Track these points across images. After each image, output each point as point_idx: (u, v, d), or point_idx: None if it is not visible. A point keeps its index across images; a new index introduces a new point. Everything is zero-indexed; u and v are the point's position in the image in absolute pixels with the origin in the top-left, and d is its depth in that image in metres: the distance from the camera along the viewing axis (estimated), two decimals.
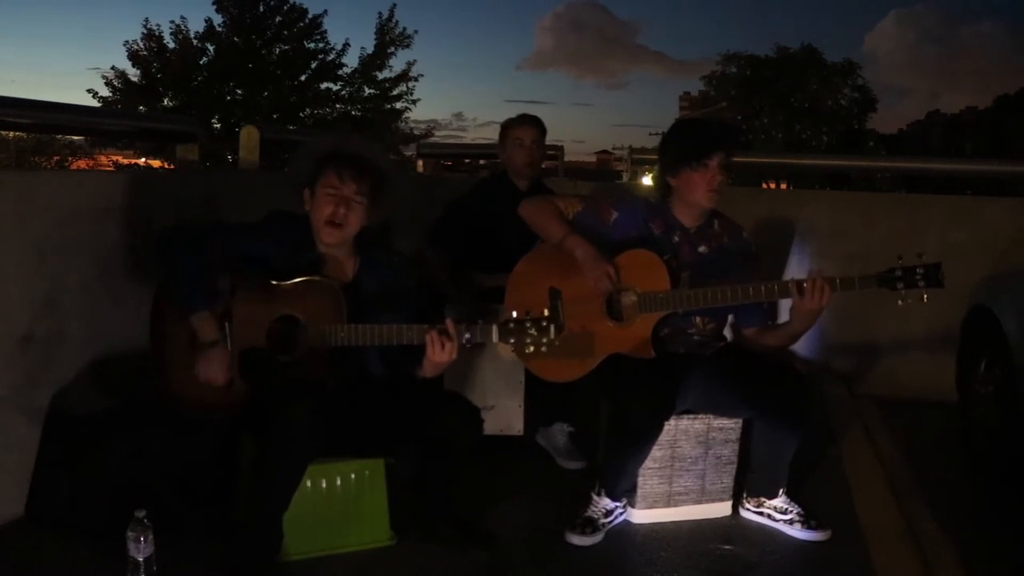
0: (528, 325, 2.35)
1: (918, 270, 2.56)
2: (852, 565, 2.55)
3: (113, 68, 18.79)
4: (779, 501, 2.78)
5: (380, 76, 20.35)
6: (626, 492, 2.75)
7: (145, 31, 18.84)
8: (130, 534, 2.09)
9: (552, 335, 2.35)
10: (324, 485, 2.45)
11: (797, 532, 2.71)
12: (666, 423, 2.66)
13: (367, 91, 20.51)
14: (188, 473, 2.56)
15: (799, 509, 2.75)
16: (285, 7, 19.89)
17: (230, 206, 3.37)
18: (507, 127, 3.56)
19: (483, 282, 3.33)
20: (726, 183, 2.71)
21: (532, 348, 2.37)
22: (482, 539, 2.57)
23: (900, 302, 2.58)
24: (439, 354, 2.35)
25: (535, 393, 3.19)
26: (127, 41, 18.79)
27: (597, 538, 2.63)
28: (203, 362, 2.33)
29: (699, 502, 2.82)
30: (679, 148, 2.72)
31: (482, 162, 8.06)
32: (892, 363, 4.40)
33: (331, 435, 2.32)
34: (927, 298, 2.56)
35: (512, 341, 2.36)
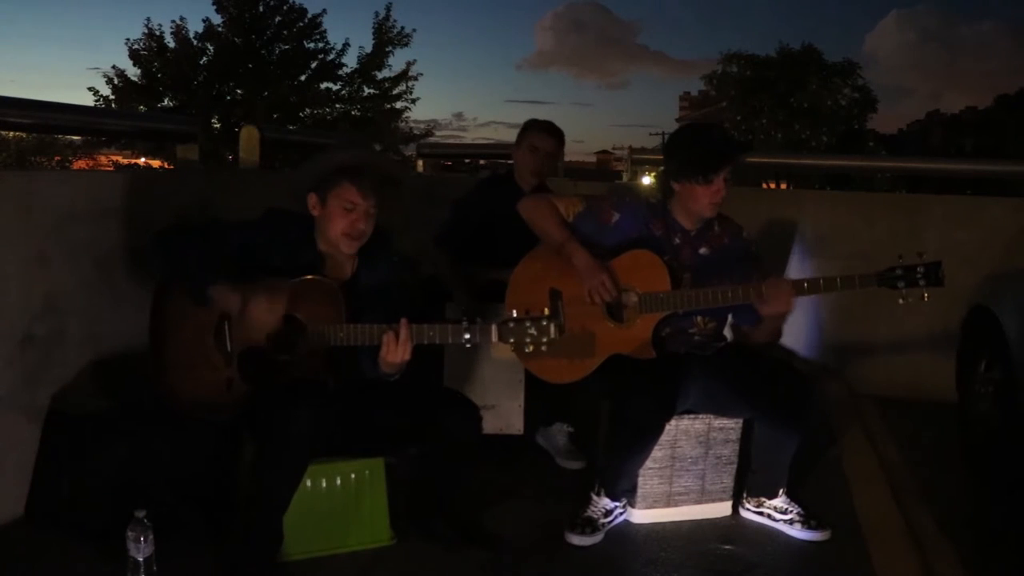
0: (528, 324, 2.35)
1: (918, 269, 2.57)
2: (852, 565, 2.55)
3: (114, 67, 18.82)
4: (779, 501, 2.78)
5: (379, 76, 20.36)
6: (626, 492, 2.75)
7: (147, 30, 18.87)
8: (130, 534, 2.09)
9: (552, 334, 2.35)
10: (324, 485, 2.45)
11: (797, 532, 2.71)
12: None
13: (367, 91, 20.50)
14: (188, 473, 2.56)
15: (799, 509, 2.75)
16: (284, 7, 19.87)
17: (230, 206, 3.36)
18: (527, 128, 3.52)
19: (492, 274, 3.29)
20: (727, 191, 2.70)
21: (532, 348, 2.36)
22: (482, 539, 2.57)
23: (901, 301, 2.59)
24: (391, 353, 2.32)
25: (535, 393, 3.19)
26: (128, 40, 18.84)
27: (597, 538, 2.63)
28: (255, 313, 2.32)
29: (699, 502, 2.82)
30: (686, 159, 2.68)
31: (482, 162, 8.06)
32: (892, 363, 4.39)
33: (331, 435, 2.32)
34: (928, 297, 2.57)
35: (512, 340, 2.36)
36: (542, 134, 3.48)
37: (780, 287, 2.58)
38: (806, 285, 2.62)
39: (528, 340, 2.35)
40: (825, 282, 2.67)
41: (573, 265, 2.70)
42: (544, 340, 2.35)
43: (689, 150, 2.70)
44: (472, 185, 3.80)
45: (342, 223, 2.40)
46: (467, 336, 2.36)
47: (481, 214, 3.47)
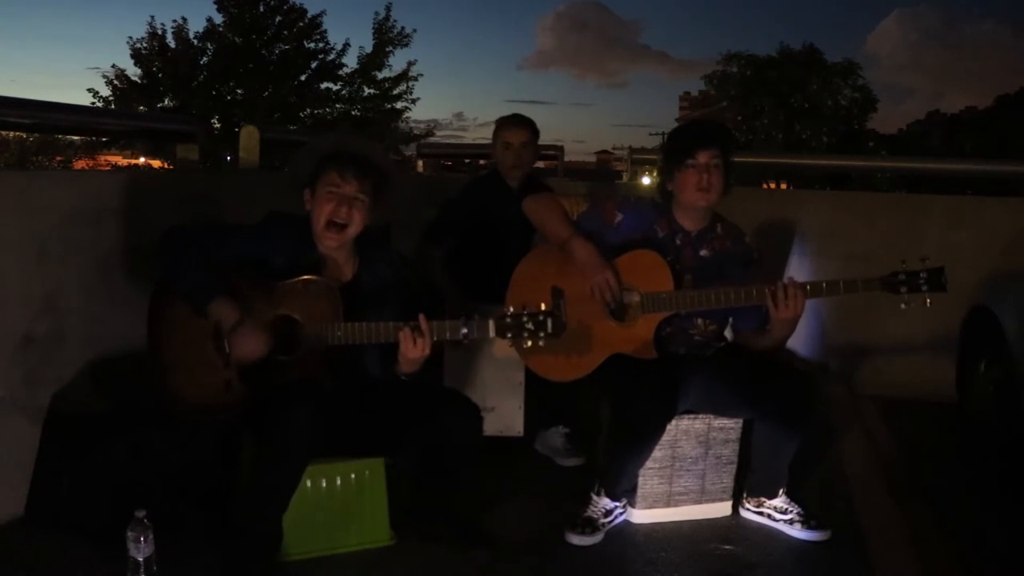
0: (525, 320, 2.35)
1: (921, 274, 2.57)
2: (852, 565, 2.55)
3: (114, 67, 18.85)
4: (779, 501, 2.78)
5: (380, 76, 20.38)
6: (626, 492, 2.75)
7: (150, 29, 18.90)
8: (130, 534, 2.09)
9: (550, 329, 2.35)
10: (324, 485, 2.45)
11: (797, 532, 2.71)
12: None
13: (367, 91, 20.52)
14: (188, 473, 2.56)
15: (799, 509, 2.75)
16: (285, 7, 19.90)
17: (230, 206, 3.37)
18: (498, 127, 3.54)
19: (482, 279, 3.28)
20: (719, 181, 2.70)
21: (530, 343, 2.36)
22: (482, 539, 2.56)
23: (903, 305, 2.59)
24: (412, 350, 2.34)
25: (534, 395, 3.19)
26: (130, 38, 18.87)
27: (597, 538, 2.63)
28: (236, 343, 2.30)
29: (699, 502, 2.82)
30: (668, 152, 2.78)
31: (482, 162, 8.06)
32: (892, 363, 4.40)
33: (331, 435, 2.32)
34: (929, 302, 2.57)
35: (509, 336, 2.36)
36: (512, 128, 3.50)
37: (793, 291, 2.56)
38: (809, 288, 2.61)
39: (526, 335, 2.35)
40: (828, 286, 2.66)
41: (575, 262, 2.70)
42: (542, 335, 2.35)
43: (669, 143, 2.83)
44: (464, 183, 3.80)
45: (326, 209, 2.40)
46: (464, 331, 2.36)
47: (471, 211, 3.48)
